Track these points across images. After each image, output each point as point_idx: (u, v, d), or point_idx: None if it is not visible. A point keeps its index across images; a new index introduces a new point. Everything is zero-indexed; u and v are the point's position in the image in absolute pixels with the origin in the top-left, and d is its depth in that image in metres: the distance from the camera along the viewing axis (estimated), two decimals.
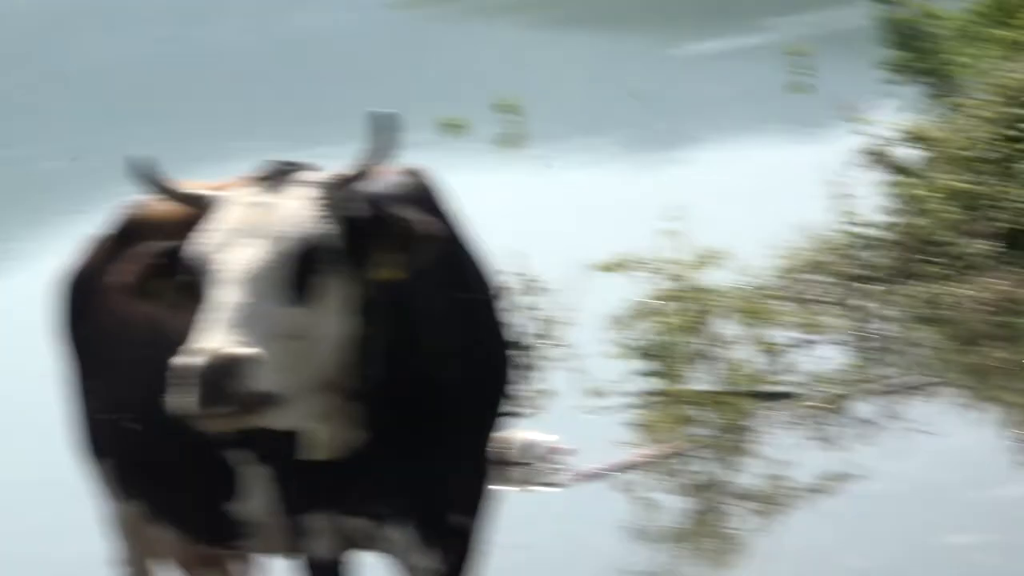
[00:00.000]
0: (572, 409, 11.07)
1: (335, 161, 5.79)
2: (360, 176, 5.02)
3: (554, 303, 11.67)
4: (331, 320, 4.84)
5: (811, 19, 60.25)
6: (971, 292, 10.85)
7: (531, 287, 11.40)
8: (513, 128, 34.85)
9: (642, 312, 11.62)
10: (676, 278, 11.48)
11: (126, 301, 5.81)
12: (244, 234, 4.78)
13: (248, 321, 4.59)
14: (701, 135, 28.57)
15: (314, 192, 4.91)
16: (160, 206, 6.26)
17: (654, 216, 11.99)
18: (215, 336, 4.55)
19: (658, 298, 11.57)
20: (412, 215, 5.02)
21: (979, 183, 11.89)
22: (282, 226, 4.78)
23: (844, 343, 11.45)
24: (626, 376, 11.33)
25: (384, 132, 4.95)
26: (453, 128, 34.98)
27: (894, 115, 18.30)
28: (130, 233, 6.14)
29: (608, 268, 11.54)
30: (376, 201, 5.16)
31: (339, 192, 4.97)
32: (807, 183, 17.04)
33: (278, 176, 4.97)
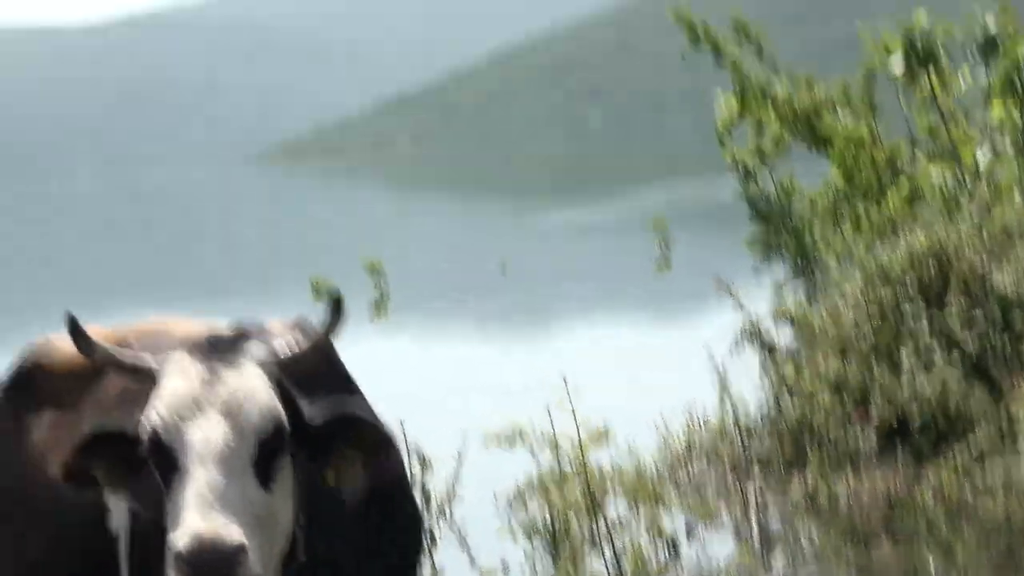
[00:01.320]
0: None
1: (206, 316, 5.79)
2: (311, 354, 4.96)
3: (440, 478, 11.62)
4: (287, 504, 4.82)
5: (677, 191, 61.66)
6: (855, 485, 10.91)
7: (420, 462, 11.33)
8: (380, 292, 35.10)
9: (532, 489, 11.59)
10: (564, 455, 11.44)
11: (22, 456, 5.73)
12: (205, 409, 4.71)
13: (233, 503, 4.56)
14: (569, 308, 28.78)
15: (268, 368, 4.86)
16: (62, 350, 6.17)
17: (536, 390, 12.01)
18: (210, 520, 4.51)
19: (547, 476, 11.53)
20: (378, 425, 4.99)
21: (860, 370, 12.00)
22: (246, 404, 4.71)
23: (734, 531, 11.47)
24: (517, 556, 11.28)
25: (336, 309, 4.89)
26: (321, 290, 35.15)
27: (768, 294, 18.63)
28: (29, 380, 6.03)
29: (497, 442, 11.47)
30: (338, 400, 5.11)
31: (294, 369, 4.92)
32: (685, 361, 17.25)
33: (225, 345, 4.90)
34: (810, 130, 18.89)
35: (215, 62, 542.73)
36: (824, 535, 10.91)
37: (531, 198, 72.71)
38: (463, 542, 11.34)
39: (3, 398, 6.11)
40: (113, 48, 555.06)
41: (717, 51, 19.39)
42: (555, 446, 11.50)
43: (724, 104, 19.68)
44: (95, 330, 6.34)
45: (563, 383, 11.06)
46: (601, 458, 11.88)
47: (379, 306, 32.57)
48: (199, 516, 4.51)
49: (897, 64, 16.61)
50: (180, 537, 4.51)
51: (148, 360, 4.90)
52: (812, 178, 20.59)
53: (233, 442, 4.65)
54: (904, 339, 11.98)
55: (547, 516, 11.34)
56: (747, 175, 20.05)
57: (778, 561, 11.08)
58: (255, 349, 4.90)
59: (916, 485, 10.68)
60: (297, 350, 4.93)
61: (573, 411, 11.15)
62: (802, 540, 11.06)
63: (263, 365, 4.85)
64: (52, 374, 6.04)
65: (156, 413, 4.74)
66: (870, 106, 18.93)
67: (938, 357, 11.55)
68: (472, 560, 11.25)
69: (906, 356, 11.73)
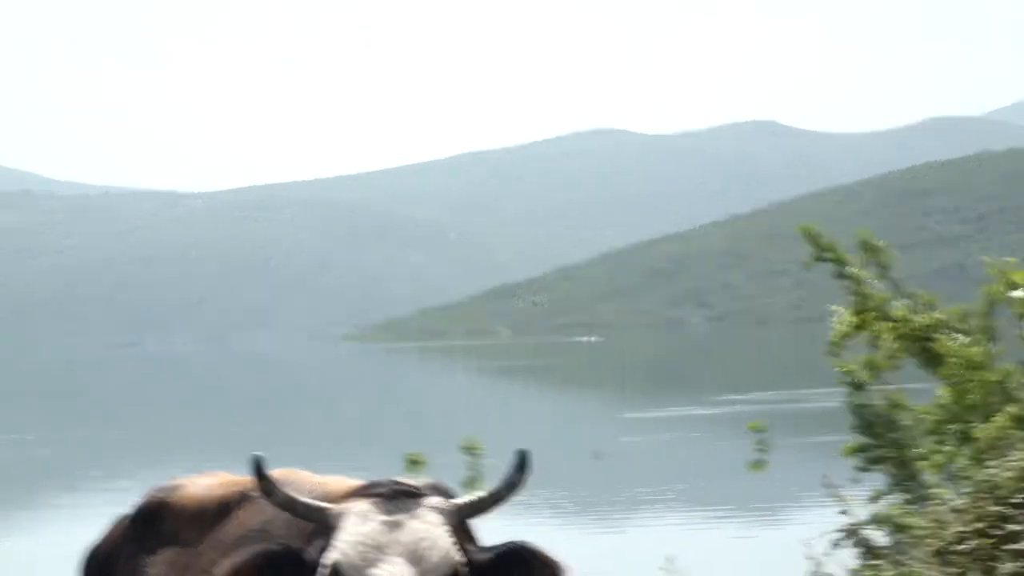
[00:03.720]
0: None
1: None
2: (488, 501, 5.20)
3: None
4: None
5: (770, 396, 61.55)
6: None
7: None
8: (474, 471, 35.25)
9: None
10: None
11: None
12: (388, 553, 4.91)
13: None
14: (665, 499, 28.68)
15: (447, 515, 5.07)
16: (190, 492, 6.33)
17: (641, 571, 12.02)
18: None
19: None
20: (549, 558, 5.16)
21: None
22: (430, 551, 4.92)
23: None
24: None
25: (523, 468, 5.19)
26: (416, 464, 35.42)
27: (867, 500, 18.57)
28: (153, 516, 6.23)
29: None
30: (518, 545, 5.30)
31: (466, 520, 5.14)
32: (782, 558, 17.16)
33: (401, 495, 5.10)
34: (924, 348, 18.91)
35: (326, 241, 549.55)
36: None
37: (627, 394, 72.62)
38: None
39: (128, 530, 6.33)
40: (229, 217, 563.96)
41: (841, 264, 19.51)
42: None
43: (842, 318, 19.80)
44: (222, 475, 6.58)
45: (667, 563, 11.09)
46: None
47: (472, 485, 32.75)
48: None
49: (1019, 292, 16.65)
50: None
51: (327, 507, 5.08)
52: (921, 397, 20.62)
53: None
54: (1006, 551, 11.93)
55: None
56: (856, 387, 20.10)
57: None
58: (432, 497, 5.12)
59: None
60: (475, 498, 5.19)
61: None
62: None
63: (443, 512, 5.07)
64: (176, 513, 6.27)
65: (340, 551, 4.93)
66: (987, 330, 18.97)
67: None
68: None
69: (1004, 567, 11.67)
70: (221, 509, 6.16)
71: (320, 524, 5.07)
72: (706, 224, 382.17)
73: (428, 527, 4.98)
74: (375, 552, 4.90)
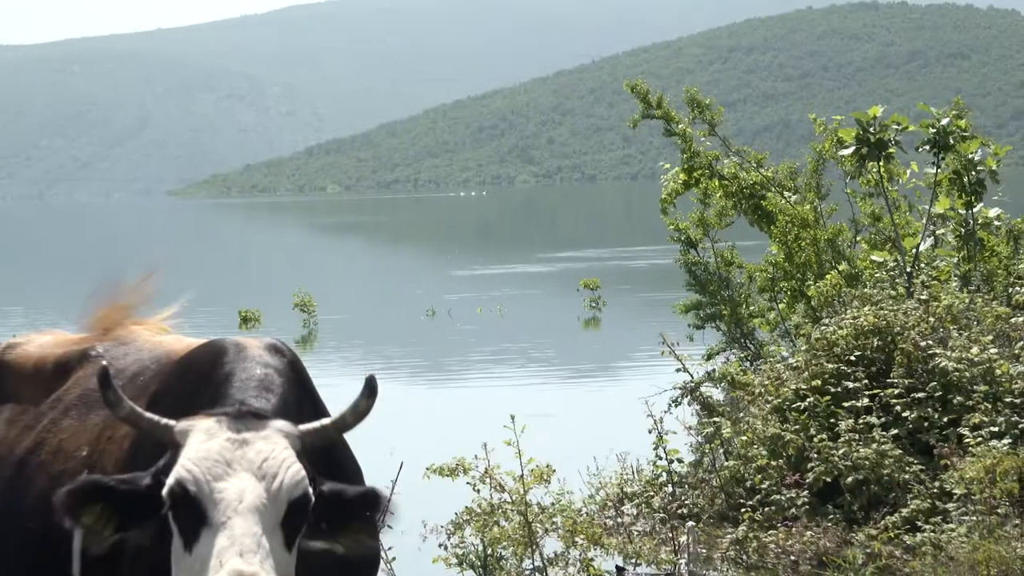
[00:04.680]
0: None
1: None
2: (332, 430, 5.12)
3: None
4: (294, 568, 4.98)
5: (601, 254, 62.20)
6: (785, 541, 11.15)
7: None
8: (308, 328, 35.39)
9: (468, 520, 11.77)
10: (503, 489, 11.64)
11: None
12: (237, 469, 4.87)
13: (267, 554, 4.73)
14: (502, 357, 28.95)
15: (292, 439, 5.01)
16: (27, 350, 6.39)
17: (475, 428, 12.24)
18: (251, 564, 4.66)
19: (485, 507, 11.72)
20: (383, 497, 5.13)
21: (797, 434, 12.30)
22: (278, 469, 4.89)
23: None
24: None
25: (371, 395, 5.09)
26: (250, 321, 35.46)
27: (703, 358, 18.98)
28: None
29: (439, 472, 11.65)
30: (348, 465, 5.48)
31: (315, 444, 5.07)
32: (621, 414, 17.54)
33: (247, 416, 5.04)
34: (755, 206, 19.16)
35: (147, 96, 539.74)
36: None
37: (458, 251, 72.80)
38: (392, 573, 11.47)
39: None
40: (46, 71, 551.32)
41: (669, 121, 19.63)
42: (498, 478, 11.68)
43: (671, 175, 19.97)
44: (58, 334, 6.63)
45: (510, 420, 11.26)
46: (538, 496, 12.07)
47: (307, 341, 32.86)
48: (240, 559, 4.67)
49: (847, 151, 16.92)
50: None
51: (171, 424, 5.00)
52: (753, 255, 20.96)
53: (266, 500, 4.81)
54: (844, 409, 12.28)
55: (485, 546, 11.56)
56: (688, 244, 20.35)
57: None
58: (278, 420, 5.06)
59: (846, 545, 10.95)
60: (319, 426, 5.09)
61: (513, 447, 11.36)
62: None
63: (288, 435, 5.00)
64: (15, 372, 6.32)
65: (185, 468, 4.85)
66: (816, 188, 19.32)
67: (877, 431, 11.87)
68: None
69: (844, 424, 12.03)
70: (59, 368, 6.20)
71: (164, 441, 4.99)
72: (530, 80, 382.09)
73: (275, 447, 4.93)
74: (222, 467, 4.86)
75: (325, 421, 5.08)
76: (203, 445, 4.88)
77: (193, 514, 4.77)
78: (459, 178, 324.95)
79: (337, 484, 5.05)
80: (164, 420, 4.98)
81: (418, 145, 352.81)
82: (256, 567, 4.64)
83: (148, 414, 5.02)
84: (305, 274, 51.68)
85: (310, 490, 4.88)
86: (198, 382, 5.41)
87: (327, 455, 5.31)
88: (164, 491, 4.82)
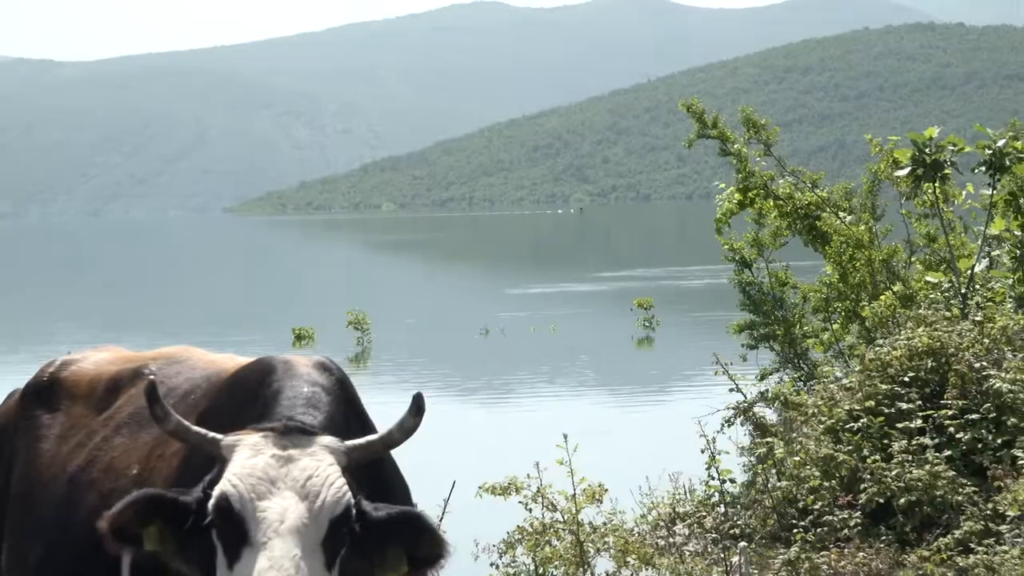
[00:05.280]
0: None
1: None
2: (379, 446, 5.12)
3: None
4: None
5: (655, 273, 62.13)
6: (833, 561, 11.14)
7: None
8: (362, 345, 35.51)
9: (520, 539, 11.79)
10: (555, 508, 11.68)
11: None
12: (280, 487, 4.88)
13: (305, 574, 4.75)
14: (558, 375, 28.96)
15: (338, 456, 5.01)
16: (82, 368, 6.43)
17: (535, 446, 12.26)
18: None
19: (536, 526, 11.75)
20: (436, 533, 5.05)
21: (850, 455, 12.29)
22: (321, 486, 4.89)
23: None
24: None
25: (418, 412, 5.06)
26: (304, 338, 35.63)
27: (756, 378, 18.96)
28: (46, 391, 6.32)
29: (491, 491, 11.69)
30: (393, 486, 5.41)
31: (361, 461, 5.07)
32: (673, 433, 17.52)
33: (294, 431, 5.04)
34: (810, 226, 19.16)
35: (205, 113, 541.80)
36: None
37: (512, 270, 72.83)
38: None
39: (21, 405, 6.40)
40: (104, 87, 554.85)
41: (724, 141, 19.67)
42: (551, 498, 11.73)
43: (726, 195, 19.99)
44: (115, 350, 6.69)
45: (563, 439, 11.29)
46: (590, 516, 12.10)
47: (360, 359, 32.98)
48: None
49: (903, 172, 16.87)
50: None
51: (219, 438, 5.01)
52: (808, 276, 20.93)
53: (307, 520, 4.80)
54: (897, 430, 12.27)
55: (538, 566, 11.59)
56: (742, 264, 20.38)
57: None
58: (325, 436, 5.05)
59: (899, 567, 10.93)
60: (366, 442, 5.08)
61: (567, 467, 11.39)
62: None
63: (334, 452, 4.99)
64: (68, 389, 6.35)
65: (231, 484, 4.86)
66: (871, 209, 19.31)
67: (930, 452, 11.86)
68: None
69: (897, 445, 12.01)
70: (112, 386, 6.23)
71: (212, 455, 4.99)
72: (586, 99, 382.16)
73: (320, 464, 4.93)
74: (266, 485, 4.86)
75: (372, 437, 5.07)
76: (248, 461, 4.89)
77: (236, 532, 4.78)
78: (513, 196, 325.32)
79: (380, 505, 5.02)
80: (211, 434, 4.99)
81: (473, 163, 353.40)
82: None
83: (195, 428, 5.04)
84: (359, 292, 51.89)
85: (352, 502, 4.86)
86: (246, 399, 5.39)
87: (374, 473, 5.29)
88: (210, 504, 4.84)
